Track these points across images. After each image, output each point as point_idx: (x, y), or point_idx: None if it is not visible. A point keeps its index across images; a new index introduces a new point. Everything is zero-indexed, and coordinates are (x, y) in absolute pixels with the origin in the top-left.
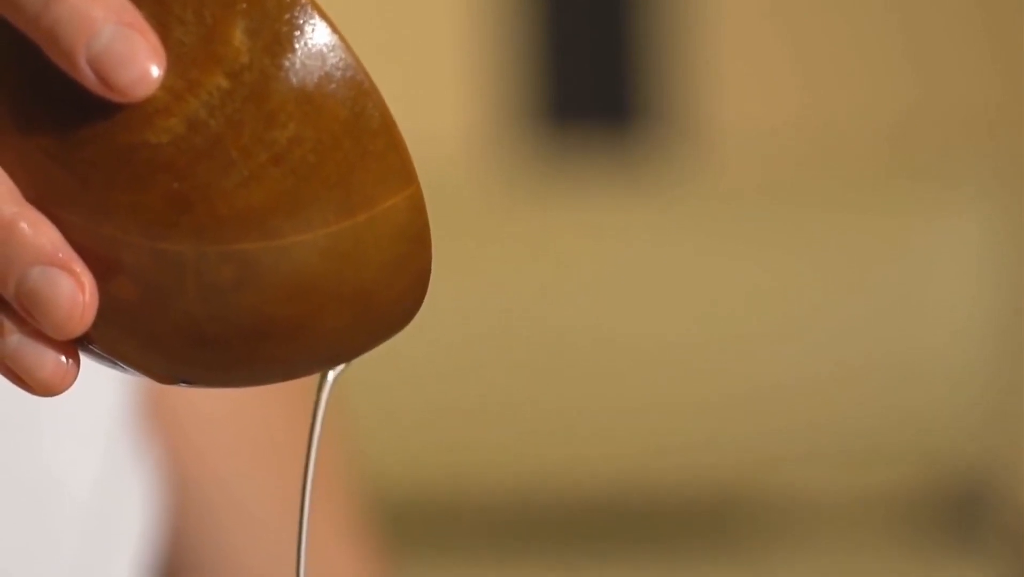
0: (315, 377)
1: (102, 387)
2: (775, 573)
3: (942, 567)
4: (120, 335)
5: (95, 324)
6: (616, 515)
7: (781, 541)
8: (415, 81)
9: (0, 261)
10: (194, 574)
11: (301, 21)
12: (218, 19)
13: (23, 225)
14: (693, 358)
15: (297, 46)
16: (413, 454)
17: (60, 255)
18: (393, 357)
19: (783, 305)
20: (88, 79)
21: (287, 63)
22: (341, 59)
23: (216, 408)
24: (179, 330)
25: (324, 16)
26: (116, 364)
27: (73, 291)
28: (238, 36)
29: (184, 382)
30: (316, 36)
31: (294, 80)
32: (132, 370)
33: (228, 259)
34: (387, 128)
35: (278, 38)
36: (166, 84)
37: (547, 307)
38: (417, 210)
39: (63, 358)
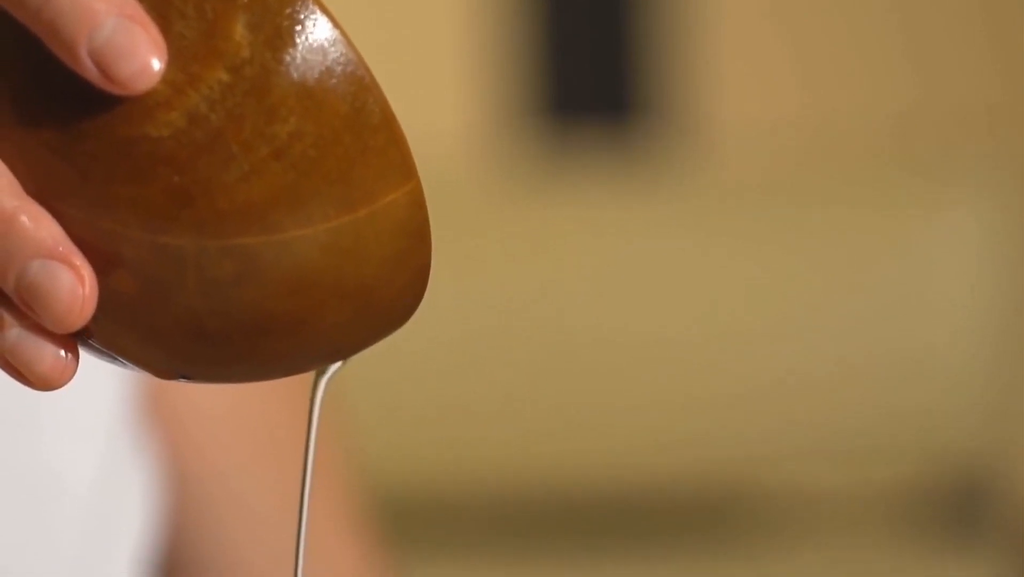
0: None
1: (102, 382)
2: (776, 569)
3: (942, 563)
4: (120, 329)
5: (95, 318)
6: (617, 511)
7: (782, 537)
8: (415, 77)
9: (0, 255)
10: (194, 569)
11: (302, 16)
12: (219, 13)
13: (23, 218)
14: (693, 354)
15: (298, 41)
16: (413, 450)
17: (60, 249)
18: (393, 353)
19: (783, 301)
20: (89, 72)
21: (288, 58)
22: (342, 54)
23: (216, 403)
24: (179, 325)
25: (325, 11)
26: (116, 359)
27: (73, 285)
28: (239, 30)
29: (184, 377)
30: (317, 31)
31: (295, 75)
32: (132, 365)
33: (228, 253)
34: (388, 123)
35: (279, 32)
36: (167, 78)
37: (547, 303)
38: (417, 205)
39: (62, 352)
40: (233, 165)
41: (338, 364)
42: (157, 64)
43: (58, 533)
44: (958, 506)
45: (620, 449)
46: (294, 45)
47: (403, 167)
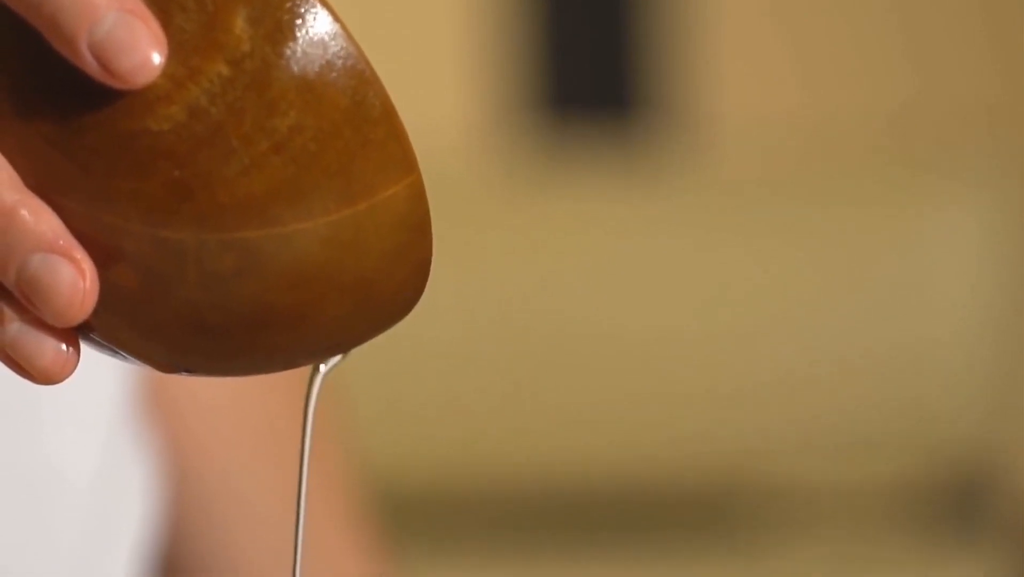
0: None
1: (102, 376)
2: (776, 563)
3: (942, 558)
4: (120, 323)
5: (95, 312)
6: (617, 505)
7: (782, 531)
8: (416, 72)
9: (0, 248)
10: (194, 565)
11: (303, 9)
12: (219, 7)
13: (24, 212)
14: (693, 349)
15: (298, 34)
16: (411, 445)
17: (61, 242)
18: (393, 347)
19: (783, 296)
20: (90, 66)
21: (288, 51)
22: (342, 47)
23: (217, 398)
24: (180, 318)
25: (326, 5)
26: (116, 352)
27: (74, 278)
28: (239, 24)
29: (185, 371)
30: (318, 24)
31: (295, 68)
32: (133, 358)
33: (229, 247)
34: (388, 116)
35: (280, 26)
36: (167, 71)
37: (547, 298)
38: (418, 199)
39: (63, 346)
40: (233, 159)
41: (337, 358)
42: (157, 58)
43: (58, 528)
44: (958, 501)
45: (620, 444)
46: (294, 39)
47: (404, 160)
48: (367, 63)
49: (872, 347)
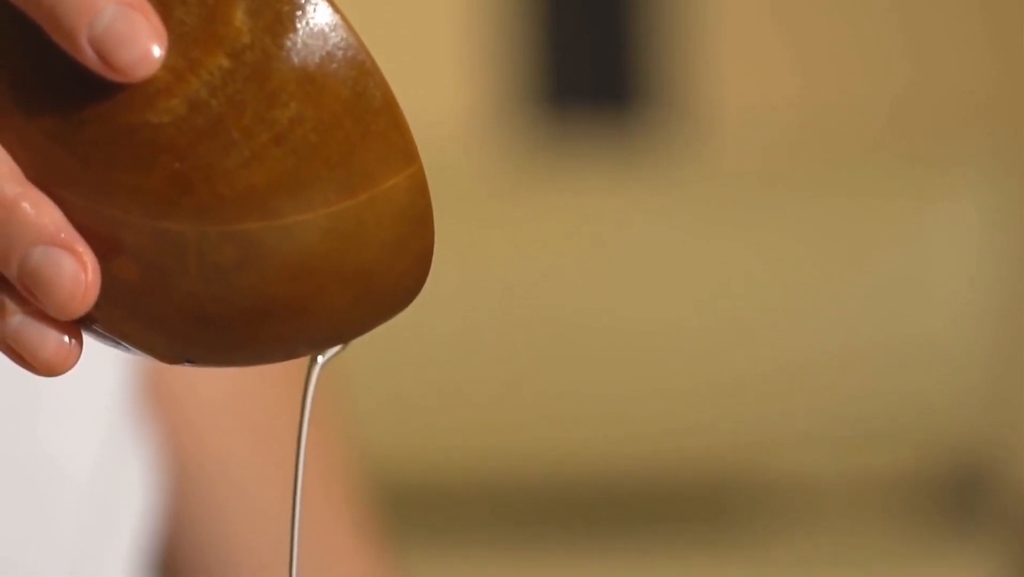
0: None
1: (102, 370)
2: (775, 555)
3: (941, 550)
4: (122, 315)
5: (97, 304)
6: (617, 498)
7: (781, 524)
8: (414, 63)
9: (2, 241)
10: (194, 557)
11: (303, 1)
12: None
13: (25, 205)
14: (692, 341)
15: (299, 26)
16: (410, 435)
17: (62, 235)
18: (392, 338)
19: (782, 288)
20: (90, 59)
21: (288, 43)
22: (343, 39)
23: (216, 391)
24: (181, 310)
25: None
26: (118, 344)
27: (75, 271)
28: (239, 16)
29: (186, 362)
30: (318, 16)
31: (295, 60)
32: (135, 350)
33: (229, 239)
34: (389, 107)
35: (279, 18)
36: (167, 64)
37: (546, 290)
38: (419, 190)
39: (65, 338)
40: (234, 151)
41: (335, 349)
42: (157, 51)
43: (58, 521)
44: (957, 493)
45: (620, 436)
46: (294, 30)
47: (405, 151)
48: (367, 54)
49: (871, 338)
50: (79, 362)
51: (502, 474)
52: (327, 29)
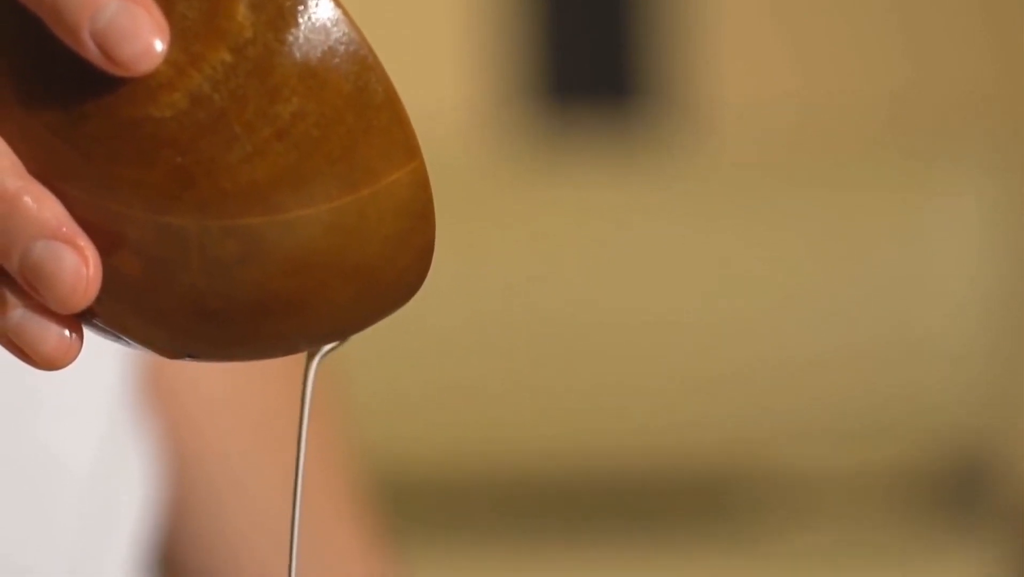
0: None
1: (102, 365)
2: (775, 549)
3: (941, 544)
4: (124, 309)
5: (98, 298)
6: (617, 492)
7: (781, 518)
8: (415, 58)
9: (3, 235)
10: (194, 553)
11: None
12: None
13: (27, 199)
14: (692, 335)
15: (301, 20)
16: (410, 430)
17: (64, 229)
18: (393, 333)
19: (782, 283)
20: (92, 53)
21: (291, 37)
22: (344, 33)
23: (217, 387)
24: (183, 304)
25: None
26: (120, 338)
27: (77, 265)
28: (242, 10)
29: (188, 356)
30: (320, 10)
31: (297, 54)
32: (136, 344)
33: (231, 234)
34: (390, 102)
35: (282, 12)
36: (169, 58)
37: (546, 284)
38: (421, 185)
39: (66, 332)
40: (236, 145)
41: (333, 344)
42: (160, 45)
43: (58, 516)
44: (957, 487)
45: (620, 431)
46: (297, 25)
47: (406, 146)
48: (369, 49)
49: (871, 333)
50: (80, 357)
51: (502, 469)
52: (329, 24)
